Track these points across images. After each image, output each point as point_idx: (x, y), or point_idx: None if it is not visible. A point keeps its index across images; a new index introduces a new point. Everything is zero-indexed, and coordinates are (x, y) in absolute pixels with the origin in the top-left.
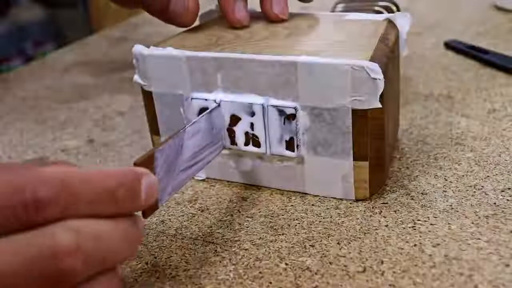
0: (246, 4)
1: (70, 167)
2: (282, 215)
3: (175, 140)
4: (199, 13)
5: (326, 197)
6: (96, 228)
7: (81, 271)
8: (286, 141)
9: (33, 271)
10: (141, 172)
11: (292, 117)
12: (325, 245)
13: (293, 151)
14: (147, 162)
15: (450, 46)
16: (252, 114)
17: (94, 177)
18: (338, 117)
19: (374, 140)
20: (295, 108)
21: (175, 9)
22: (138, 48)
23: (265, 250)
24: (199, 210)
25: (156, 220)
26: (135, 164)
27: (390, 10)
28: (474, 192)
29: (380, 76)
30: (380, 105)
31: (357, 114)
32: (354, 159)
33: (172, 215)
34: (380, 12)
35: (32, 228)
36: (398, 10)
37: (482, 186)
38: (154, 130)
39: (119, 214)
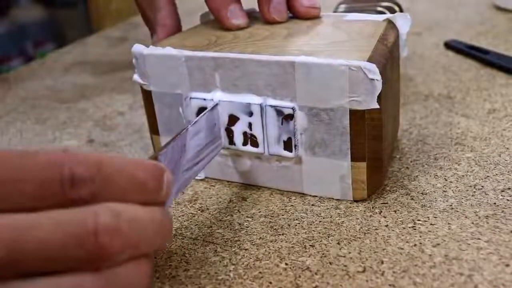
0: (240, 6)
1: (103, 154)
2: (282, 215)
3: (177, 141)
4: (200, 13)
5: (326, 197)
6: (134, 213)
7: (119, 251)
8: (284, 141)
9: (74, 245)
10: (163, 167)
11: (290, 117)
12: (325, 245)
13: (291, 151)
14: None
15: (450, 46)
16: (250, 114)
17: (127, 165)
18: (336, 118)
19: (372, 141)
20: (293, 108)
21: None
22: (138, 48)
23: (265, 250)
24: (199, 210)
25: None
26: None
27: (392, 11)
28: (474, 192)
29: (377, 76)
30: (377, 106)
31: (354, 115)
32: (352, 159)
33: (172, 215)
34: (383, 13)
35: (66, 204)
36: (401, 10)
37: (482, 186)
38: (154, 129)
39: (146, 205)
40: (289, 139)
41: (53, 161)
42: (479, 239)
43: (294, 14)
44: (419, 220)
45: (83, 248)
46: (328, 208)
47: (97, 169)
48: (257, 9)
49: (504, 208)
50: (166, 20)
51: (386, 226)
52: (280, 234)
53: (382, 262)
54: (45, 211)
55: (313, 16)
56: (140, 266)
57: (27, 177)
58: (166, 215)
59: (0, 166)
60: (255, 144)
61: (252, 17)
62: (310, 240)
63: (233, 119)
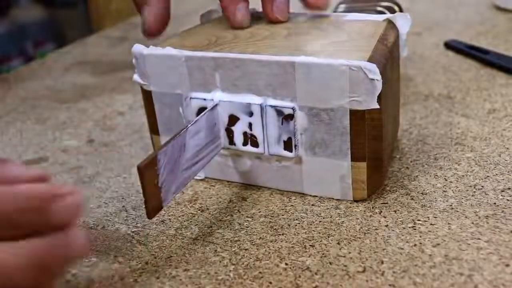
0: (248, 6)
1: None
2: (282, 215)
3: (177, 140)
4: (200, 13)
5: (326, 197)
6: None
7: None
8: (284, 141)
9: None
10: (53, 194)
11: (290, 117)
12: (325, 245)
13: (291, 151)
14: (150, 164)
15: (450, 46)
16: (250, 114)
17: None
18: (336, 118)
19: (372, 141)
20: (293, 109)
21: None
22: (138, 48)
23: (265, 250)
24: (199, 210)
25: (156, 220)
26: (138, 168)
27: (392, 11)
28: (474, 192)
29: (378, 76)
30: (378, 106)
31: (355, 115)
32: (352, 159)
33: (172, 215)
34: (383, 13)
35: None
36: (401, 10)
37: (482, 186)
38: (154, 129)
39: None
40: (289, 139)
41: None
42: (479, 239)
43: (304, 5)
44: (419, 220)
45: None
46: (328, 208)
47: None
48: (257, 9)
49: (504, 208)
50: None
51: (386, 226)
52: (280, 234)
53: (382, 262)
54: None
55: (320, 7)
56: None
57: None
58: (56, 240)
59: None
60: (255, 144)
61: (253, 17)
62: (310, 240)
63: (233, 119)
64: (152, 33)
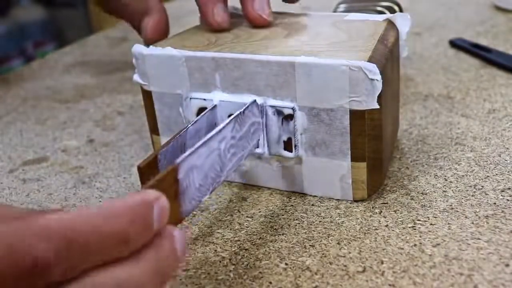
0: (226, 7)
1: (70, 214)
2: (282, 215)
3: (177, 140)
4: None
5: (326, 197)
6: (116, 277)
7: None
8: (284, 141)
9: None
10: (152, 199)
11: (290, 117)
12: (325, 245)
13: (291, 151)
14: (151, 165)
15: (455, 44)
16: None
17: (102, 220)
18: (336, 118)
19: (372, 141)
20: (293, 109)
21: (144, 26)
22: (138, 48)
23: (265, 250)
24: (199, 210)
25: None
26: (139, 168)
27: (392, 11)
28: (474, 192)
29: (378, 76)
30: (377, 106)
31: (354, 115)
32: (352, 159)
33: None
34: (383, 13)
35: None
36: (401, 10)
37: (482, 186)
38: (154, 129)
39: (132, 251)
40: (289, 139)
41: (13, 250)
42: (479, 239)
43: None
44: (419, 220)
45: None
46: (328, 208)
47: (65, 241)
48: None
49: (504, 208)
50: (159, 6)
51: (386, 226)
52: (280, 234)
53: (382, 262)
54: None
55: (261, 25)
56: None
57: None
58: (164, 247)
59: None
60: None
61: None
62: (310, 240)
63: None
64: (152, 42)
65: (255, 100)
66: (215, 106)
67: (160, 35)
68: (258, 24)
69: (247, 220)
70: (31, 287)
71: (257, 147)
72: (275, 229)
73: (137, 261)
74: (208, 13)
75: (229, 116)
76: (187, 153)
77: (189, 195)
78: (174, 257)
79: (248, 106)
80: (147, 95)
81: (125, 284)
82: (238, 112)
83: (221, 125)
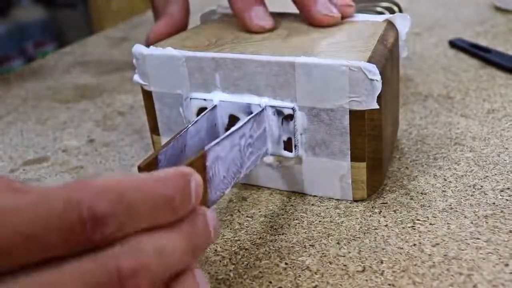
0: (265, 7)
1: (121, 177)
2: (282, 215)
3: (178, 141)
4: (200, 13)
5: (325, 197)
6: (159, 243)
7: None
8: (284, 141)
9: None
10: (189, 172)
11: (290, 117)
12: (325, 244)
13: (291, 151)
14: (151, 165)
15: (455, 44)
16: (251, 114)
17: (150, 185)
18: (336, 118)
19: (372, 141)
20: (293, 109)
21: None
22: (138, 48)
23: (265, 250)
24: None
25: None
26: (139, 168)
27: (391, 11)
28: (473, 192)
29: (377, 77)
30: (377, 106)
31: (354, 115)
32: (352, 159)
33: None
34: (382, 13)
35: (92, 248)
36: (400, 11)
37: (481, 186)
38: (154, 129)
39: (175, 221)
40: (289, 139)
41: (70, 201)
42: (478, 238)
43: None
44: (418, 220)
45: None
46: (328, 208)
47: (118, 200)
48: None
49: (503, 208)
50: (175, 14)
51: (386, 226)
52: (280, 234)
53: (382, 262)
54: (68, 261)
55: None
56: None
57: (47, 228)
58: (194, 227)
59: (15, 219)
60: None
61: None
62: (310, 240)
63: (233, 120)
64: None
65: (267, 105)
66: (215, 106)
67: (178, 26)
68: (327, 25)
69: (247, 220)
70: (87, 240)
71: (266, 154)
72: (275, 228)
73: (176, 232)
74: (246, 19)
75: (230, 116)
76: (213, 142)
77: (215, 185)
78: (207, 234)
79: (265, 108)
80: (147, 95)
81: (165, 252)
82: (256, 111)
83: (242, 122)
